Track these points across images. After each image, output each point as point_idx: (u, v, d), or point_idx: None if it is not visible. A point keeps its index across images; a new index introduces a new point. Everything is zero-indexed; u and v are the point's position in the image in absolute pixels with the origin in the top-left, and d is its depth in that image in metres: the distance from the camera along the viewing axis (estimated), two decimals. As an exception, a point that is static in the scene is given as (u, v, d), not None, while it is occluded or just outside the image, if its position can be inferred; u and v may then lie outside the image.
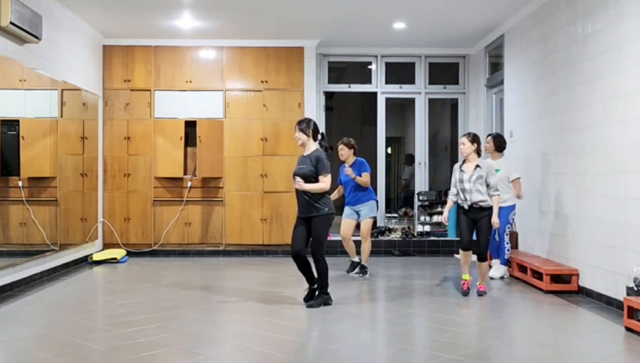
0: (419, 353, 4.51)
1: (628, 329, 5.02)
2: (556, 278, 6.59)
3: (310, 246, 5.89)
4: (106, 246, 9.34)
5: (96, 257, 8.66)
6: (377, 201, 7.70)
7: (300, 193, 5.87)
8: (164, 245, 9.44)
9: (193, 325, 5.20)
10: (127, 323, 5.18)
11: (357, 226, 7.66)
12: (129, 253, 9.23)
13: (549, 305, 6.08)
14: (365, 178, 7.44)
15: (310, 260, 5.87)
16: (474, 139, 6.48)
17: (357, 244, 7.69)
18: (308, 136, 5.97)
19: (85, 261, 8.62)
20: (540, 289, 6.60)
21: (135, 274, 7.87)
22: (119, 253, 8.90)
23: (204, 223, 9.48)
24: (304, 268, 5.91)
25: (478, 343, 4.88)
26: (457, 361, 4.25)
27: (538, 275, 6.77)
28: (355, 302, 6.27)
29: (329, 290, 5.97)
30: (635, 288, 5.18)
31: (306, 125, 6.00)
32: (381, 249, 9.55)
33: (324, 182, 5.83)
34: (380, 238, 9.71)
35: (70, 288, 6.91)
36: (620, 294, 5.51)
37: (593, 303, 6.04)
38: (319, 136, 6.07)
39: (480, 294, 6.42)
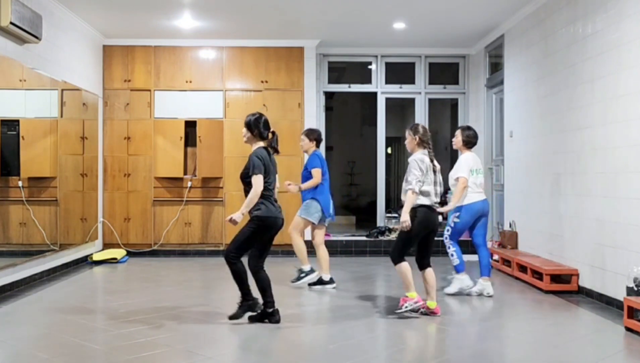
0: (418, 354, 4.51)
1: (628, 329, 5.02)
2: (556, 278, 6.59)
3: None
4: (106, 246, 9.33)
5: (96, 257, 8.66)
6: (319, 201, 6.74)
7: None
8: (164, 245, 9.43)
9: (193, 325, 5.20)
10: (127, 323, 5.18)
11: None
12: (129, 253, 9.23)
13: (549, 305, 6.08)
14: (313, 180, 6.71)
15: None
16: (414, 130, 5.58)
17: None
18: (253, 133, 5.22)
19: (85, 261, 8.61)
20: (540, 289, 6.60)
21: (135, 274, 7.87)
22: (119, 253, 8.90)
23: (204, 223, 9.47)
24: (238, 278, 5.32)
25: (478, 343, 4.88)
26: (457, 361, 4.25)
27: (538, 275, 6.77)
28: (354, 302, 6.26)
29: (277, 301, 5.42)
30: (635, 288, 5.18)
31: (254, 121, 5.21)
32: (381, 249, 9.54)
33: (255, 184, 5.12)
34: (380, 238, 9.70)
35: (70, 288, 6.91)
36: (620, 294, 5.51)
37: (593, 303, 6.04)
38: (270, 134, 5.28)
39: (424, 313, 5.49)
